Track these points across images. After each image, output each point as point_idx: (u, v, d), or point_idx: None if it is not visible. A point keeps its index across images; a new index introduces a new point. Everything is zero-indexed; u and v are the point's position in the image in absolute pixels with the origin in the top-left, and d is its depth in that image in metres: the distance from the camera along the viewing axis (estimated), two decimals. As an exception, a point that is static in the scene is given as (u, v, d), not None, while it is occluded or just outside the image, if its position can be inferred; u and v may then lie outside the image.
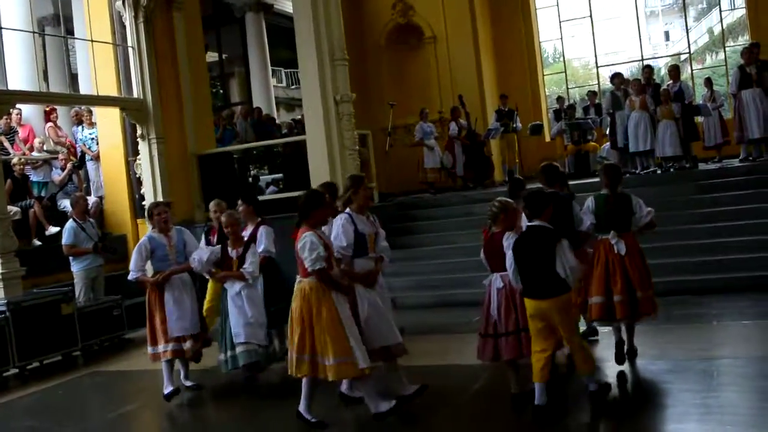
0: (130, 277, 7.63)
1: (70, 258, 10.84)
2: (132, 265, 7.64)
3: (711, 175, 13.12)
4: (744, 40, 21.78)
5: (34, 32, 14.61)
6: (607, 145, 15.65)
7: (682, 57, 25.66)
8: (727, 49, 22.05)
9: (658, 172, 13.92)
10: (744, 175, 12.65)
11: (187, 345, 7.48)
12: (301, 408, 6.03)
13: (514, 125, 16.92)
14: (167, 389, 7.32)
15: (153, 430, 7.01)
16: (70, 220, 10.99)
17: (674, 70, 15.12)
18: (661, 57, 30.11)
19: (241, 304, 7.31)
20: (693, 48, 23.87)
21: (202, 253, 7.48)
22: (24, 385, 8.94)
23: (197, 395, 7.64)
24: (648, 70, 15.38)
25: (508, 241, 5.93)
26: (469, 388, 6.73)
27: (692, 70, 22.04)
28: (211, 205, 8.96)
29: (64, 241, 10.78)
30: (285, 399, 6.76)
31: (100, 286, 11.07)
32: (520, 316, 5.93)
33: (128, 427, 7.08)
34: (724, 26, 22.38)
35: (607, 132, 15.41)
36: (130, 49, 13.70)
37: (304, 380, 5.97)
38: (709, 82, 16.10)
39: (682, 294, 9.51)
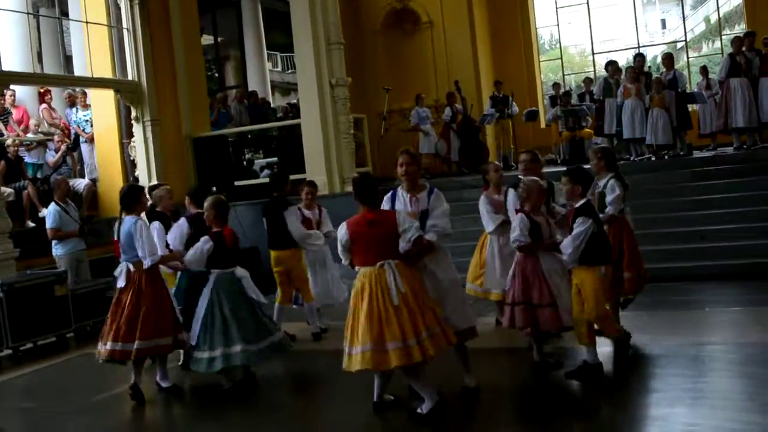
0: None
1: (53, 242, 10.69)
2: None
3: (705, 162, 13.14)
4: (740, 28, 21.76)
5: (28, 13, 14.56)
6: (602, 131, 15.67)
7: (679, 45, 25.68)
8: (723, 37, 22.04)
9: (653, 159, 13.94)
10: (737, 163, 12.68)
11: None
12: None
13: (509, 111, 16.91)
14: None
15: (145, 411, 7.02)
16: (52, 203, 10.79)
17: (668, 59, 15.11)
18: (658, 45, 30.10)
19: None
20: (689, 36, 23.88)
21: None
22: (18, 366, 8.95)
23: (189, 379, 7.66)
24: (640, 58, 15.39)
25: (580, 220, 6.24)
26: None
27: (688, 58, 22.09)
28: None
29: (48, 224, 10.63)
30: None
31: (85, 269, 10.94)
32: (554, 289, 6.30)
33: (121, 407, 7.09)
34: (721, 15, 22.37)
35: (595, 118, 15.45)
36: (125, 31, 13.65)
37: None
38: (704, 70, 16.10)
39: (674, 281, 9.56)
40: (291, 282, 8.62)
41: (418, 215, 5.88)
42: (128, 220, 7.03)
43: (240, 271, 7.15)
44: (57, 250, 10.71)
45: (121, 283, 6.98)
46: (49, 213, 10.73)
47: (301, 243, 8.34)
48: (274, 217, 8.48)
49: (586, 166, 7.31)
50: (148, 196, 8.20)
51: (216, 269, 7.04)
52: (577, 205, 6.32)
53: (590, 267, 6.20)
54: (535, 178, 6.70)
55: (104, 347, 6.93)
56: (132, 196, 7.19)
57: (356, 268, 5.74)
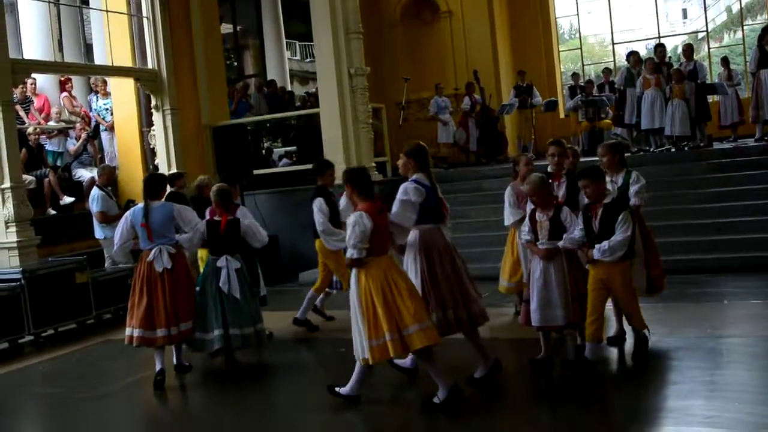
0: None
1: (97, 225, 10.90)
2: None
3: (725, 154, 13.06)
4: (763, 18, 21.60)
5: (49, 2, 14.62)
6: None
7: (700, 35, 25.48)
8: (745, 27, 21.85)
9: (672, 150, 13.87)
10: (758, 155, 12.58)
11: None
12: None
13: (532, 101, 16.88)
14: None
15: (166, 398, 7.09)
16: (95, 188, 11.08)
17: (689, 49, 15.02)
18: (679, 35, 29.87)
19: None
20: (711, 26, 23.69)
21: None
22: (39, 352, 9.06)
23: (208, 367, 7.73)
24: (661, 49, 15.29)
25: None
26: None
27: (709, 48, 21.90)
28: None
29: (96, 208, 10.84)
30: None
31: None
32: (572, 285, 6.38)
33: (141, 394, 7.17)
34: (743, 4, 22.15)
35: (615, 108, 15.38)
36: (144, 20, 13.70)
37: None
38: (726, 60, 15.99)
39: (693, 273, 9.54)
40: (332, 271, 8.58)
41: None
42: (163, 205, 7.34)
43: (223, 261, 7.30)
44: (103, 232, 10.82)
45: (167, 265, 7.14)
46: (94, 198, 10.91)
47: (322, 236, 8.12)
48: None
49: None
50: (168, 184, 8.56)
51: (210, 255, 7.42)
52: (608, 201, 6.30)
53: (622, 261, 6.21)
54: (538, 173, 6.66)
55: (156, 333, 7.11)
56: (158, 184, 7.52)
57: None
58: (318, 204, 8.07)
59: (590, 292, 6.25)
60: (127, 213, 7.49)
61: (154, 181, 7.56)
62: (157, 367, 7.12)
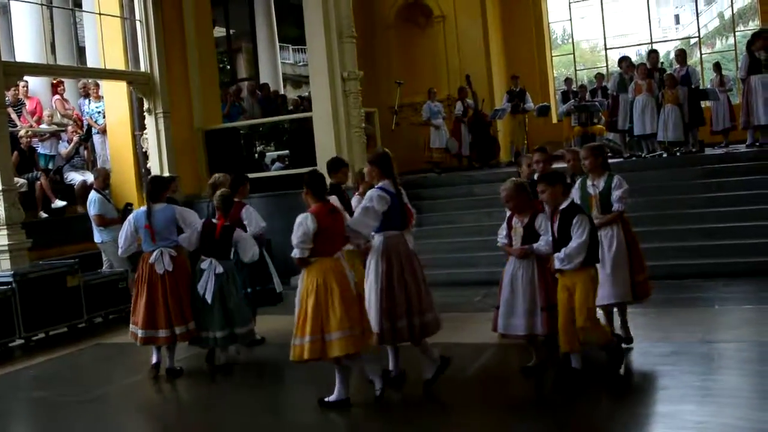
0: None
1: (96, 229, 10.91)
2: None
3: (717, 159, 13.10)
4: (754, 25, 21.67)
5: (42, 4, 14.61)
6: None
7: (692, 41, 25.58)
8: (737, 33, 21.94)
9: (664, 155, 13.90)
10: (750, 160, 12.62)
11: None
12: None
13: (525, 105, 16.90)
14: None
15: (157, 401, 7.08)
16: (93, 191, 11.10)
17: (681, 54, 15.06)
18: (671, 40, 29.98)
19: None
20: (703, 32, 23.74)
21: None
22: (30, 356, 9.01)
23: (199, 370, 7.72)
24: (654, 54, 15.33)
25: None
26: (475, 362, 6.80)
27: (701, 54, 21.93)
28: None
29: (93, 211, 10.87)
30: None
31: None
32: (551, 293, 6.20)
33: (133, 397, 7.16)
34: (735, 11, 22.25)
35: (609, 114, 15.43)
36: (137, 23, 13.69)
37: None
38: (718, 66, 16.04)
39: (684, 278, 9.55)
40: None
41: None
42: (165, 208, 7.56)
43: (207, 264, 7.43)
44: (101, 236, 10.90)
45: (168, 268, 7.35)
46: (92, 201, 10.94)
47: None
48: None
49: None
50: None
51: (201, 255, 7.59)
52: (564, 206, 6.09)
53: (583, 268, 5.99)
54: (515, 179, 6.50)
55: (158, 333, 7.35)
56: (160, 186, 7.77)
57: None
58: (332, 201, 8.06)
59: (558, 301, 6.08)
60: (130, 216, 7.75)
61: (156, 184, 7.79)
62: (153, 361, 7.46)
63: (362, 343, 5.82)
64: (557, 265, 6.00)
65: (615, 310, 6.99)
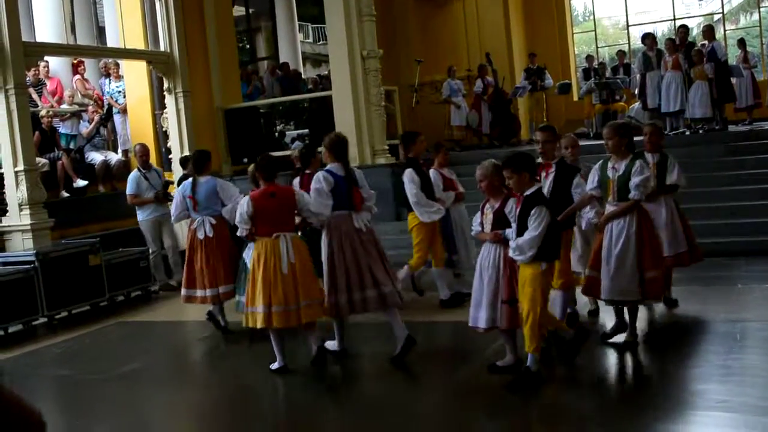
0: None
1: (136, 208, 10.98)
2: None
3: (740, 137, 12.96)
4: (779, 0, 21.32)
5: (62, -16, 14.63)
6: (636, 105, 15.52)
7: (716, 17, 25.19)
8: (761, 9, 21.61)
9: (687, 133, 13.78)
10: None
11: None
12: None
13: (543, 83, 16.79)
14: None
15: (181, 379, 7.13)
16: (135, 169, 11.16)
17: (709, 30, 14.88)
18: (694, 17, 29.54)
19: None
20: (727, 8, 23.38)
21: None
22: (53, 334, 9.10)
23: (220, 343, 7.77)
24: (683, 29, 15.13)
25: None
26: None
27: (725, 30, 21.66)
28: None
29: (127, 191, 10.96)
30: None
31: (170, 232, 11.05)
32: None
33: (155, 375, 7.21)
34: (760, -14, 21.90)
35: (636, 93, 15.29)
36: (157, 2, 13.67)
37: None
38: (742, 43, 15.84)
39: (707, 256, 9.42)
40: (428, 247, 8.31)
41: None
42: (208, 180, 8.20)
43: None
44: (138, 215, 11.01)
45: (209, 234, 8.00)
46: (129, 179, 11.04)
47: (415, 208, 8.00)
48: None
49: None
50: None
51: None
52: (529, 192, 5.60)
53: (534, 263, 5.52)
54: (493, 160, 5.96)
55: (196, 293, 8.09)
56: (204, 159, 8.39)
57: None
58: (409, 175, 8.00)
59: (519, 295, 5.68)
60: (179, 187, 8.58)
61: (200, 157, 8.45)
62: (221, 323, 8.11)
63: (285, 318, 6.28)
64: (510, 254, 5.65)
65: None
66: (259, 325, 6.35)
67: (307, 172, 7.86)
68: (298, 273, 6.31)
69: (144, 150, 11.30)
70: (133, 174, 11.02)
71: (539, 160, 6.64)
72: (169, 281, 10.99)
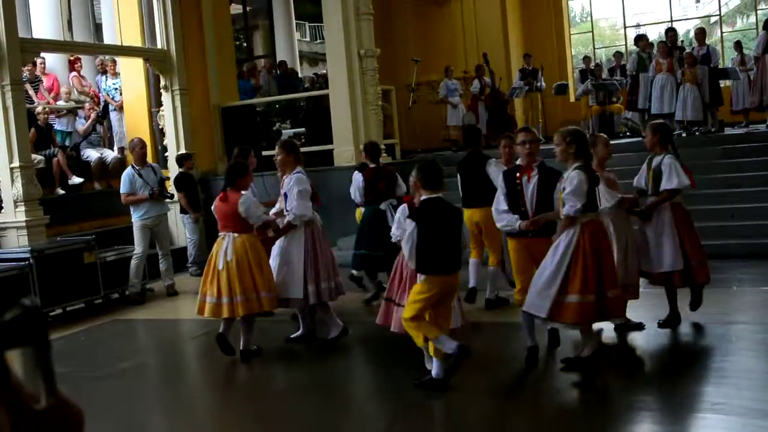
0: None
1: (130, 207, 10.48)
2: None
3: (736, 139, 12.99)
4: (776, 3, 21.39)
5: (59, -19, 14.59)
6: (633, 106, 15.57)
7: (713, 19, 25.22)
8: (758, 11, 21.65)
9: (683, 135, 13.80)
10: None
11: None
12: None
13: (538, 84, 16.80)
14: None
15: (176, 377, 7.12)
16: (129, 167, 10.71)
17: (701, 33, 14.93)
18: (691, 19, 29.59)
19: None
20: (724, 10, 23.40)
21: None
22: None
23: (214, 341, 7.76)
24: (672, 33, 15.19)
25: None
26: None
27: (722, 32, 21.70)
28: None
29: (121, 189, 10.45)
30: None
31: (163, 235, 10.67)
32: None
33: (150, 373, 7.20)
34: (757, -12, 21.95)
35: (628, 93, 15.33)
36: (154, 0, 13.64)
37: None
38: (739, 45, 15.87)
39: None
40: (483, 243, 8.18)
41: (282, 196, 7.26)
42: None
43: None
44: (132, 215, 10.45)
45: None
46: (122, 177, 10.49)
47: (495, 213, 7.84)
48: (469, 174, 8.12)
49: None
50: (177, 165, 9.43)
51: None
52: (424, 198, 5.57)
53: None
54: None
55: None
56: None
57: None
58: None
59: None
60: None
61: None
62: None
63: (216, 310, 6.78)
64: None
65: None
66: (196, 312, 7.00)
67: (372, 166, 8.74)
68: (234, 270, 6.74)
69: (141, 144, 10.76)
70: (127, 171, 10.57)
71: (519, 162, 6.47)
72: (146, 287, 10.67)
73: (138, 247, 10.38)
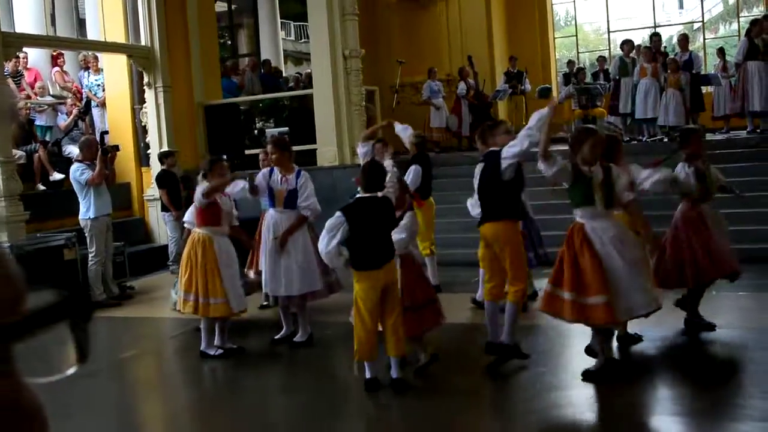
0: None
1: (81, 203, 10.06)
2: None
3: (717, 145, 13.06)
4: (759, 11, 21.53)
5: (42, -25, 14.50)
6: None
7: (695, 25, 25.40)
8: (741, 19, 21.81)
9: (665, 140, 13.88)
10: (751, 147, 12.58)
11: None
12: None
13: (522, 87, 16.85)
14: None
15: (157, 374, 7.10)
16: (77, 162, 10.19)
17: (684, 39, 15.03)
18: (674, 24, 29.77)
19: None
20: (707, 16, 23.59)
21: None
22: (26, 328, 8.98)
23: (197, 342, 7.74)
24: (656, 38, 15.29)
25: None
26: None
27: (705, 39, 21.85)
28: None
29: (83, 179, 9.91)
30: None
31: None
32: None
33: (131, 371, 7.18)
34: (739, -4, 22.12)
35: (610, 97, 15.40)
36: (138, -4, 13.60)
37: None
38: (721, 51, 15.98)
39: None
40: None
41: (286, 193, 7.13)
42: None
43: None
44: (80, 213, 10.10)
45: None
46: (72, 170, 10.07)
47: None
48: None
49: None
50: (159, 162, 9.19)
51: None
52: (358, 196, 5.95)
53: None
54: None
55: None
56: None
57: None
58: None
59: None
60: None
61: None
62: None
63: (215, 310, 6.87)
64: None
65: None
66: (214, 314, 6.97)
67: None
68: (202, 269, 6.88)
69: (96, 143, 10.17)
70: (78, 165, 10.01)
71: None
72: (118, 289, 10.40)
73: (96, 249, 9.95)
